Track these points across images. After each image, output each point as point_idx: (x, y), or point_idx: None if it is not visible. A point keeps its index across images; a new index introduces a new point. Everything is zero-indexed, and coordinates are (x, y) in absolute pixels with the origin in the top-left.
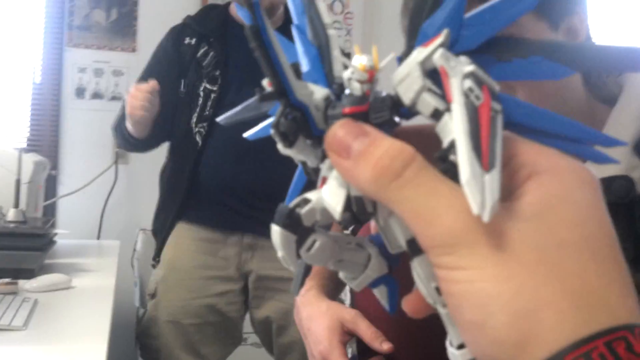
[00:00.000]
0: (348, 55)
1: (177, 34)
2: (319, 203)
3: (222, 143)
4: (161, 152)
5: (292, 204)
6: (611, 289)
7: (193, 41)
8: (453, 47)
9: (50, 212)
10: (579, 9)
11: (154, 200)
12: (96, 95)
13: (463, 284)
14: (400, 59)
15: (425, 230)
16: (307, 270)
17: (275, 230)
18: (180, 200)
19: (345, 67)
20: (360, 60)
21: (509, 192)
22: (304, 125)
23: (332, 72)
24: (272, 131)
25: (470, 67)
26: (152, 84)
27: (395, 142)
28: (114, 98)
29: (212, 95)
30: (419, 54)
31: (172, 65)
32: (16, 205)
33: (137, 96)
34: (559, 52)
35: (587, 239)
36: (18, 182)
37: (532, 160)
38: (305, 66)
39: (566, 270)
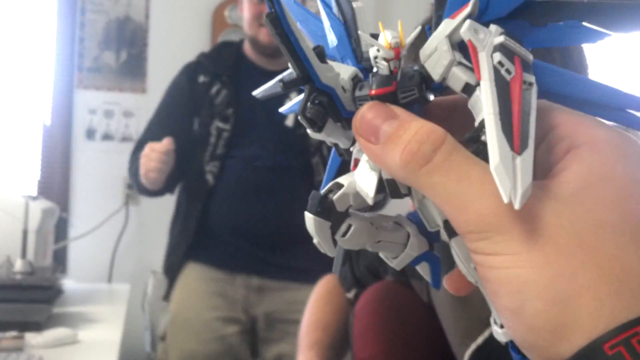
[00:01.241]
0: (375, 37)
1: (191, 71)
2: (352, 187)
3: (233, 183)
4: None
5: (324, 190)
6: None
7: (207, 79)
8: (483, 15)
9: (60, 255)
10: None
11: (165, 241)
12: (107, 137)
13: (498, 269)
14: (430, 30)
15: (458, 216)
16: (347, 251)
17: (309, 217)
18: (190, 240)
19: (374, 37)
20: (385, 38)
21: (548, 166)
22: (332, 108)
23: (360, 47)
24: (299, 117)
25: (500, 38)
26: (167, 143)
27: (424, 124)
28: (124, 139)
29: (224, 134)
30: (447, 26)
31: (186, 103)
32: (23, 255)
33: (151, 157)
34: (595, 13)
35: (628, 218)
36: (25, 233)
37: (571, 132)
38: (332, 42)
39: (605, 254)
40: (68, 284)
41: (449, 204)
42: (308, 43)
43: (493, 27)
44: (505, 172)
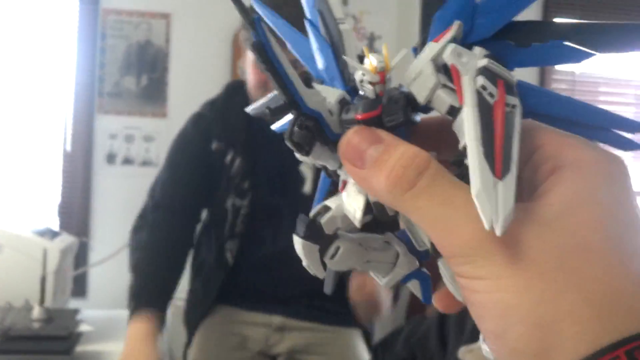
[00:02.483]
0: (361, 59)
1: (204, 132)
2: (339, 210)
3: (256, 259)
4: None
5: (312, 212)
6: (638, 292)
7: (220, 146)
8: (468, 36)
9: (80, 280)
10: None
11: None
12: (127, 161)
13: (482, 294)
14: (416, 51)
15: (442, 240)
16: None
17: (297, 241)
18: (211, 301)
19: (361, 59)
20: (370, 62)
21: (534, 186)
22: (319, 132)
23: (347, 69)
24: (286, 141)
25: (483, 61)
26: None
27: (409, 148)
28: (144, 163)
29: (242, 211)
30: (431, 50)
31: (201, 167)
32: (42, 300)
33: None
34: (580, 34)
35: (612, 239)
36: (43, 278)
37: (556, 152)
38: (320, 63)
39: (587, 276)
40: (87, 312)
41: (433, 228)
42: (293, 70)
43: (477, 50)
44: (487, 199)
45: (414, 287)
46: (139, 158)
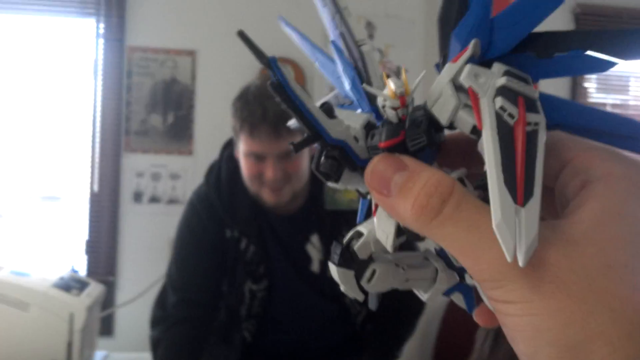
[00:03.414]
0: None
1: (218, 224)
2: (372, 235)
3: (271, 343)
4: None
5: (346, 238)
6: None
7: (235, 234)
8: (487, 53)
9: (107, 320)
10: None
11: None
12: (154, 199)
13: (513, 317)
14: (439, 67)
15: (471, 265)
16: None
17: (333, 268)
18: None
19: (385, 77)
20: (389, 87)
21: (565, 201)
22: (346, 160)
23: (387, 77)
24: (314, 171)
25: (502, 80)
26: None
27: (432, 174)
28: (171, 201)
29: (258, 295)
30: (449, 70)
31: (220, 256)
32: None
33: None
34: (601, 41)
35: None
36: (70, 339)
37: (586, 166)
38: (346, 84)
39: (617, 296)
40: (114, 356)
41: (462, 255)
42: (313, 103)
43: (496, 67)
44: (507, 230)
45: (457, 299)
46: (166, 196)
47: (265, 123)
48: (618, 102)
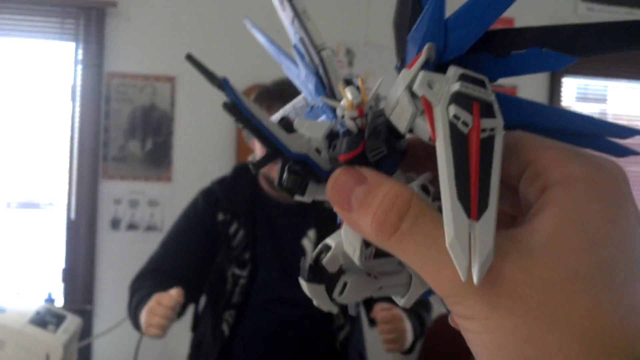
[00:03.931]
0: (348, 82)
1: (213, 205)
2: (340, 248)
3: (251, 333)
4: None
5: (315, 252)
6: (629, 320)
7: (226, 218)
8: (443, 55)
9: (84, 351)
10: None
11: (188, 333)
12: (131, 226)
13: (473, 333)
14: (399, 69)
15: (432, 281)
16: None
17: (303, 284)
18: None
19: (347, 82)
20: (346, 97)
21: (528, 204)
22: (309, 172)
23: (335, 96)
24: (277, 187)
25: (455, 86)
26: (176, 296)
27: (390, 188)
28: (149, 228)
29: (241, 281)
30: (404, 77)
31: (207, 236)
32: None
33: (157, 311)
34: (557, 38)
35: (601, 265)
36: None
37: (546, 168)
38: (311, 91)
39: (576, 309)
40: None
41: (422, 270)
42: (270, 120)
43: (451, 71)
44: (461, 249)
45: (435, 301)
46: (144, 223)
47: (282, 100)
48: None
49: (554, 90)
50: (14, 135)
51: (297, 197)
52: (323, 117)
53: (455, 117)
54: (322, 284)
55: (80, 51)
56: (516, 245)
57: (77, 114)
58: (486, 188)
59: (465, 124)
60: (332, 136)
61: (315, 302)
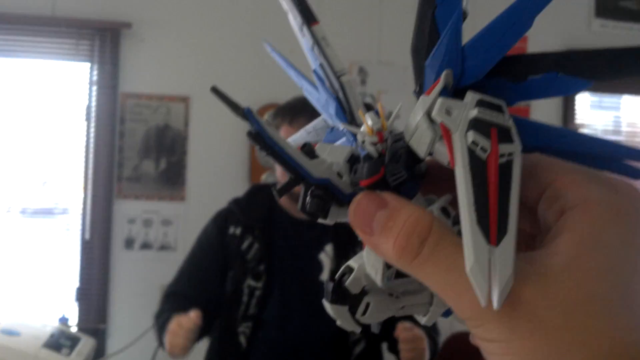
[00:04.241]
0: (368, 107)
1: (222, 221)
2: (362, 269)
3: (268, 345)
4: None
5: (338, 273)
6: None
7: (238, 231)
8: (460, 81)
9: None
10: None
11: (202, 351)
12: (145, 246)
13: (494, 355)
14: (417, 94)
15: (453, 304)
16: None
17: (327, 305)
18: None
19: (367, 107)
20: (366, 123)
21: (547, 227)
22: (331, 197)
23: (355, 120)
24: (301, 210)
25: (473, 112)
26: (194, 318)
27: (411, 213)
28: (162, 248)
29: (256, 293)
30: (423, 103)
31: (217, 256)
32: None
33: (179, 334)
34: (571, 63)
35: (618, 287)
36: None
37: (564, 192)
38: (331, 115)
39: (594, 331)
40: None
41: (443, 294)
42: (292, 147)
43: (469, 97)
44: (480, 274)
45: (456, 319)
46: (157, 242)
47: (305, 112)
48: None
49: (569, 102)
50: (30, 154)
51: (320, 221)
52: (343, 139)
53: (474, 143)
54: (345, 305)
55: (95, 72)
56: (535, 269)
57: (92, 134)
58: (505, 213)
59: (483, 149)
60: (353, 160)
61: (338, 322)
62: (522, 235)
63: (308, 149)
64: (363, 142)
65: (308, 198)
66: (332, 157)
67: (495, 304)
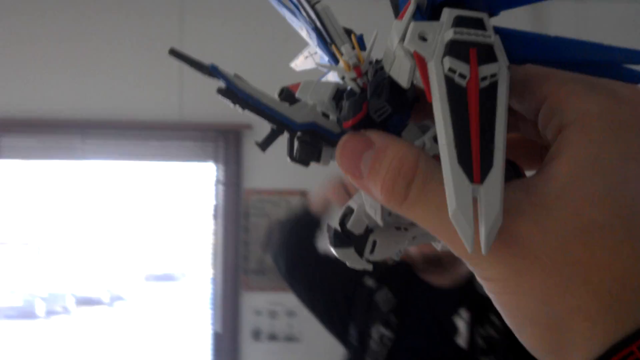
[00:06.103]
0: (349, 32)
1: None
2: (362, 210)
3: None
4: None
5: (339, 216)
6: None
7: (374, 284)
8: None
9: None
10: None
11: None
12: (272, 337)
13: (494, 294)
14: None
15: (449, 244)
16: None
17: (332, 251)
18: None
19: (348, 32)
20: (343, 60)
21: (547, 144)
22: (320, 140)
23: (337, 48)
24: (291, 162)
25: (449, 33)
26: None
27: (397, 151)
28: (288, 339)
29: (385, 340)
30: (397, 30)
31: (346, 300)
32: None
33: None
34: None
35: (619, 211)
36: None
37: (562, 105)
38: (315, 46)
39: (594, 264)
40: None
41: (438, 234)
42: (269, 97)
43: (445, 15)
44: (465, 219)
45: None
46: (283, 334)
47: None
48: None
49: None
50: (158, 254)
51: (320, 164)
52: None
53: (451, 70)
54: (350, 247)
55: (220, 171)
56: (530, 198)
57: (221, 230)
58: (489, 144)
59: (462, 76)
60: (338, 95)
61: (348, 264)
62: (535, 149)
63: (287, 94)
64: (343, 78)
65: (296, 146)
66: (316, 96)
67: (483, 248)
